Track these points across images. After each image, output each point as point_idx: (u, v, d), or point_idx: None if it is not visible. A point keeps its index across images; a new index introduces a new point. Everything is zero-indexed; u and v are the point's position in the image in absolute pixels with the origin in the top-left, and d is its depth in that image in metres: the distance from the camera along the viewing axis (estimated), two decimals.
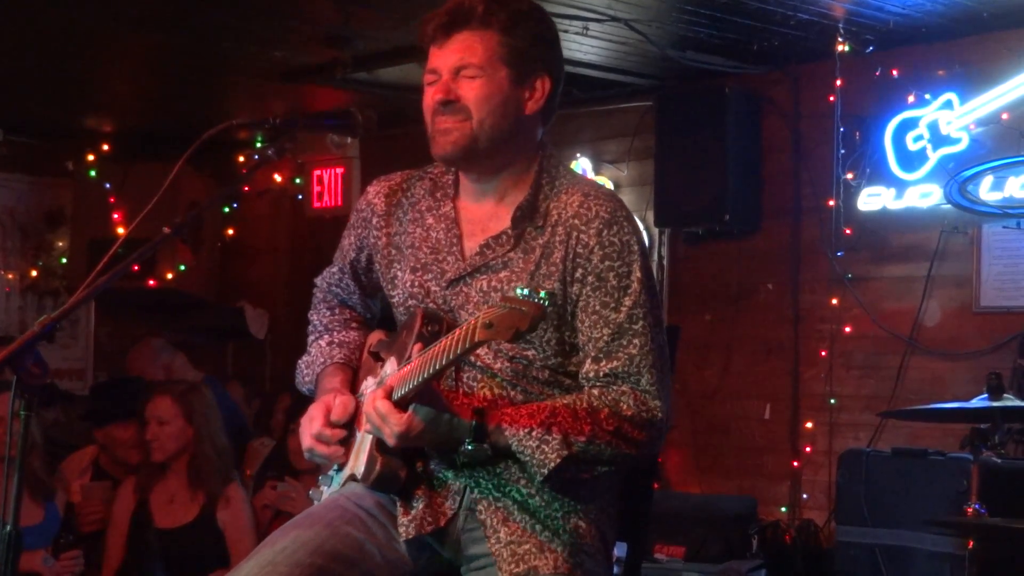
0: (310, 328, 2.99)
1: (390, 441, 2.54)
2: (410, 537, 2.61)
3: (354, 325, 2.96)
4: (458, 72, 2.62)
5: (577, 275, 2.60)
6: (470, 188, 2.74)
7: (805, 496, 6.39)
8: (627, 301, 2.59)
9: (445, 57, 2.64)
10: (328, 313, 2.98)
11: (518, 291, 2.26)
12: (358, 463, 2.66)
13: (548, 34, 2.71)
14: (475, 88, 2.61)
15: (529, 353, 2.61)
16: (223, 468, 5.23)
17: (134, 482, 5.31)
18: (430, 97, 2.66)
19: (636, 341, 2.59)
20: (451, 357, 2.38)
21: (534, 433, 2.52)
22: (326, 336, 2.93)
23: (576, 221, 2.62)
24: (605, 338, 2.59)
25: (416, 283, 2.71)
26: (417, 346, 2.53)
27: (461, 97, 2.62)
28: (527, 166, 2.70)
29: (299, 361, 2.94)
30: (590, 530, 2.62)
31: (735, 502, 6.19)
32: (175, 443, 5.18)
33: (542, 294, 2.26)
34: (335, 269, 2.97)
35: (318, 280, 3.02)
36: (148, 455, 5.24)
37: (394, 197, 2.82)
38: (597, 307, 2.60)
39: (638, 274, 2.61)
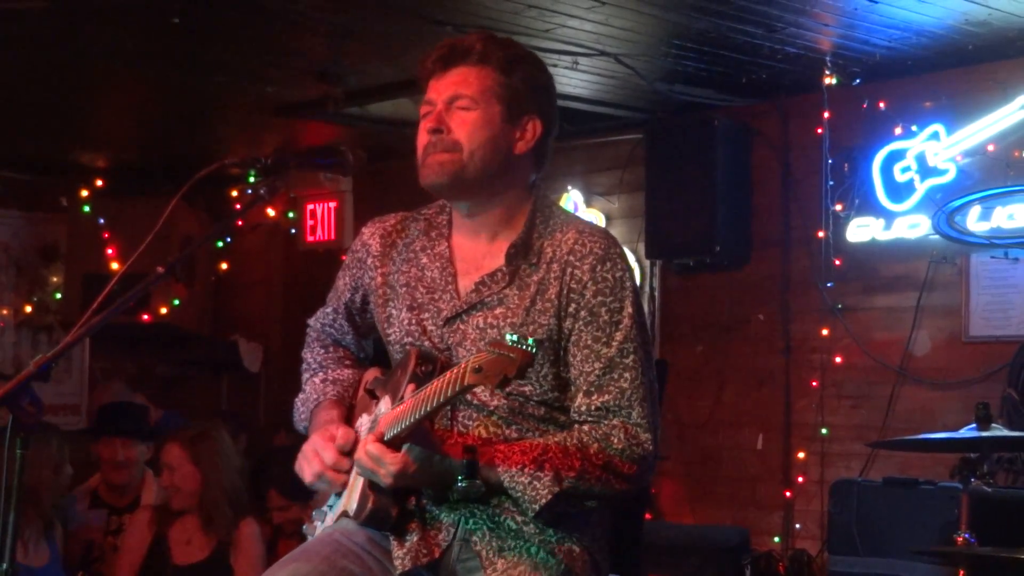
0: (304, 366, 3.01)
1: (386, 481, 2.57)
2: (406, 569, 2.62)
3: (348, 363, 2.98)
4: (452, 102, 2.68)
5: (570, 310, 2.64)
6: (463, 225, 2.78)
7: (798, 526, 6.39)
8: (618, 336, 2.64)
9: (441, 88, 2.70)
10: (322, 351, 3.00)
11: (508, 338, 2.30)
12: (351, 500, 2.68)
13: (543, 81, 2.78)
14: (467, 119, 2.67)
15: (526, 389, 2.64)
16: (234, 511, 5.21)
17: (150, 515, 5.32)
18: (423, 128, 2.71)
19: (627, 375, 2.63)
20: (442, 400, 2.43)
21: (526, 470, 2.55)
22: (320, 373, 2.96)
23: (571, 257, 2.66)
24: (596, 372, 2.63)
25: (413, 321, 2.74)
26: (411, 386, 2.57)
27: (453, 128, 2.67)
28: (518, 204, 2.75)
29: (295, 399, 2.97)
30: (582, 555, 2.66)
31: (728, 532, 6.18)
32: (188, 488, 5.18)
33: (530, 341, 2.30)
34: (329, 309, 3.00)
35: (311, 320, 3.04)
36: (168, 500, 5.26)
37: (389, 238, 2.86)
38: (589, 341, 2.64)
39: (629, 310, 2.66)
